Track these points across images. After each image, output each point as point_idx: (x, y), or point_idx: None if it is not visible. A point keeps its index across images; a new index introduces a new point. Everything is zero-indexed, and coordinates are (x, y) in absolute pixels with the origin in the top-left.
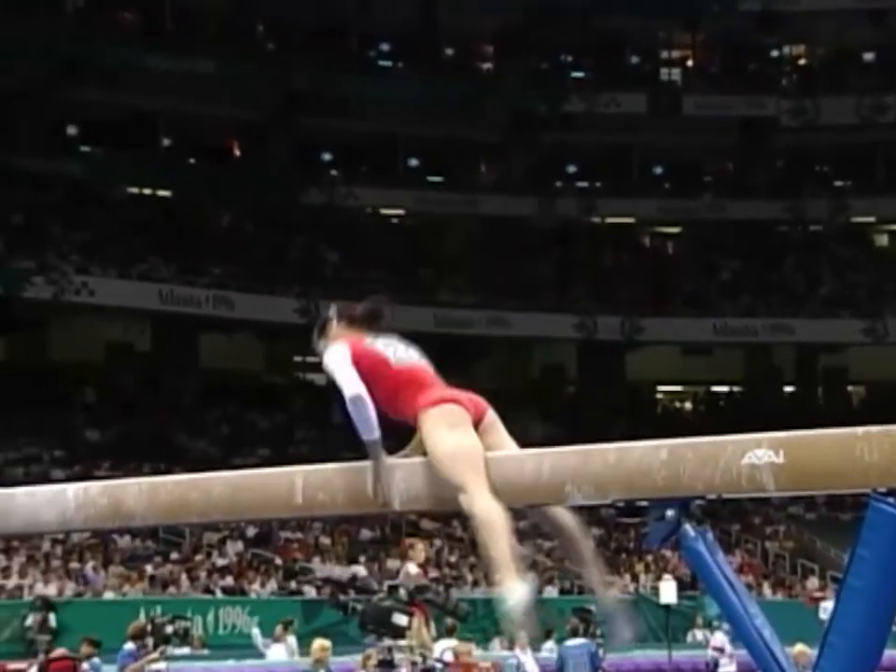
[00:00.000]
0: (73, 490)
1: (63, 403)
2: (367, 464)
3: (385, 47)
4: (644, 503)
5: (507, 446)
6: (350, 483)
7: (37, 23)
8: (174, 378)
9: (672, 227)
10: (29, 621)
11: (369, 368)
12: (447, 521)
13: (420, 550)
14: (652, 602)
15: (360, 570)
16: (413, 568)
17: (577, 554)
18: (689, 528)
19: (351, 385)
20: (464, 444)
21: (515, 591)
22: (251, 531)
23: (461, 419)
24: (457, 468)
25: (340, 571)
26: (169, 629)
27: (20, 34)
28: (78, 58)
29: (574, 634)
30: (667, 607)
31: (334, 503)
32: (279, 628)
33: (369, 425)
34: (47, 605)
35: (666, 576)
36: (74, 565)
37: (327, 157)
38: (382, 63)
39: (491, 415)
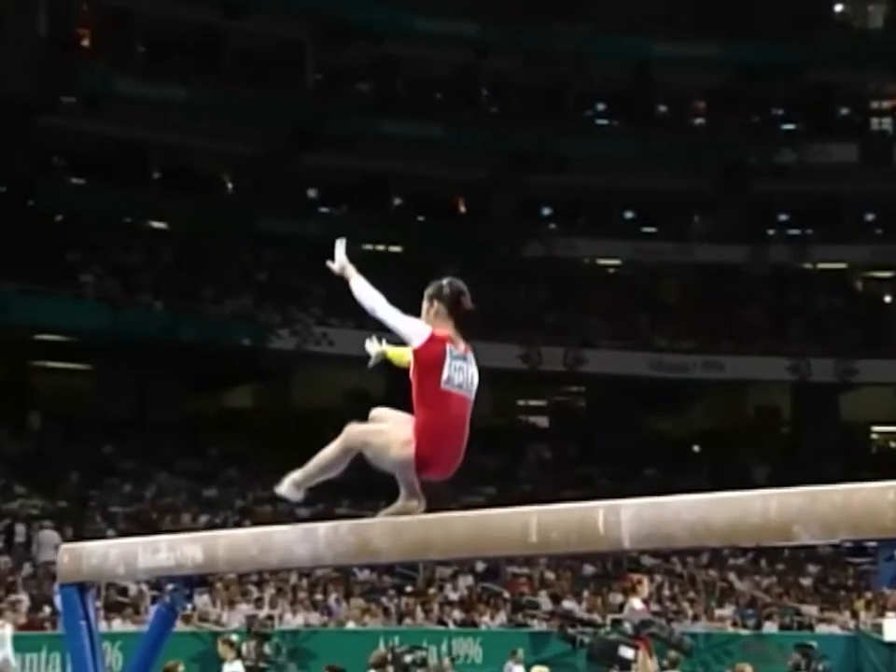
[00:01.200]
0: (324, 529)
1: (305, 446)
2: (598, 504)
3: (601, 106)
4: (871, 543)
5: None
6: (581, 523)
7: (282, 96)
8: None
9: (885, 271)
10: (244, 650)
11: (424, 364)
12: (667, 557)
13: (645, 585)
14: (875, 639)
15: (569, 605)
16: (637, 603)
17: None
18: None
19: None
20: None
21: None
22: (480, 566)
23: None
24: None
25: (550, 606)
26: (408, 658)
27: (267, 105)
28: (318, 125)
29: (796, 669)
30: (892, 644)
31: (567, 542)
32: (446, 662)
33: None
34: (260, 634)
35: (890, 613)
36: (318, 596)
37: (546, 211)
38: (599, 121)
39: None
